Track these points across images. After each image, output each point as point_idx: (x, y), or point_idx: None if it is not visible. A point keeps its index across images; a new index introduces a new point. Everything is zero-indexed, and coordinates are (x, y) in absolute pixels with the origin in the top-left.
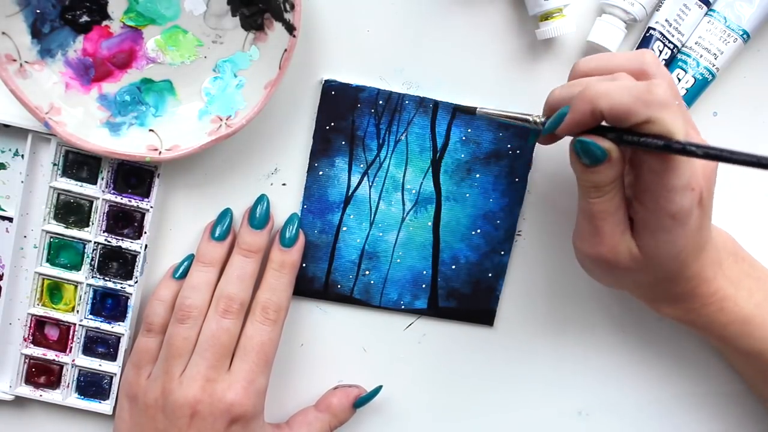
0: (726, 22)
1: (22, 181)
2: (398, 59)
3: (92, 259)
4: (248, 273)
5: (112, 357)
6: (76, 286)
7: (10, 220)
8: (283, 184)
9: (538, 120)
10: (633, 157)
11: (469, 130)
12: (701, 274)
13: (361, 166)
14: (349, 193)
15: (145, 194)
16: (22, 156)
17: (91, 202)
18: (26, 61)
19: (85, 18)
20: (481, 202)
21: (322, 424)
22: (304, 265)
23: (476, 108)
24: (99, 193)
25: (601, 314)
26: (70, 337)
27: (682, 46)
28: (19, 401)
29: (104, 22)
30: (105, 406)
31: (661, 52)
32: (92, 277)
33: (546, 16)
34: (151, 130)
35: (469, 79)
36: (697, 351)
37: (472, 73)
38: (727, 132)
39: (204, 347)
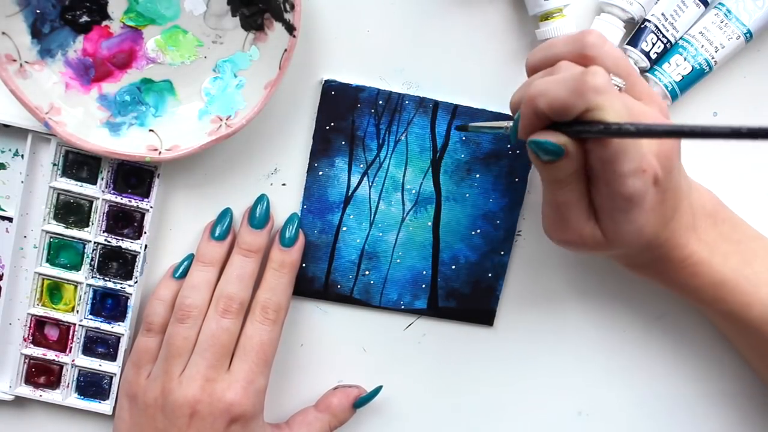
0: (732, 19)
1: (22, 181)
2: (398, 59)
3: (92, 259)
4: (248, 273)
5: (112, 357)
6: (76, 286)
7: (10, 220)
8: (283, 184)
9: (509, 128)
10: (585, 146)
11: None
12: (672, 240)
13: (361, 166)
14: (349, 193)
15: (145, 194)
16: (22, 156)
17: (91, 202)
18: (26, 61)
19: (85, 18)
20: (480, 202)
21: (322, 424)
22: (304, 265)
23: (469, 125)
24: (99, 193)
25: (601, 314)
26: (70, 337)
27: (676, 41)
28: (19, 401)
29: (104, 22)
30: (105, 406)
31: (654, 44)
32: (92, 277)
33: (546, 16)
34: (151, 130)
35: (469, 79)
36: (698, 351)
37: (472, 73)
38: None
39: (204, 347)
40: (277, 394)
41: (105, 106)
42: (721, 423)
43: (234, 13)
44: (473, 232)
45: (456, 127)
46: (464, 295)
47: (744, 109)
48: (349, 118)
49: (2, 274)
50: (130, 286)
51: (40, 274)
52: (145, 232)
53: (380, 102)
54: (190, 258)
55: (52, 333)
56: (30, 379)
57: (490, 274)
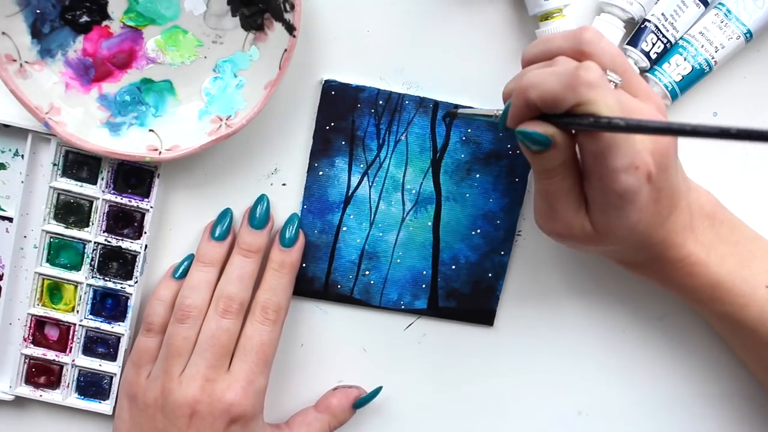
0: (732, 19)
1: (22, 181)
2: (398, 59)
3: (92, 259)
4: (248, 273)
5: (112, 357)
6: (76, 286)
7: (10, 220)
8: (283, 184)
9: (498, 115)
10: (578, 140)
11: (469, 130)
12: (669, 240)
13: (361, 166)
14: (349, 193)
15: (145, 194)
16: (22, 156)
17: (91, 202)
18: (26, 61)
19: (85, 18)
20: (481, 202)
21: (322, 424)
22: (304, 265)
23: (457, 111)
24: (99, 193)
25: (601, 314)
26: (70, 337)
27: (676, 41)
28: (19, 401)
29: (104, 22)
30: (105, 406)
31: (654, 44)
32: (92, 277)
33: (546, 16)
34: (151, 130)
35: (469, 79)
36: (698, 351)
37: (472, 73)
38: None
39: (203, 347)
40: (277, 394)
41: (105, 106)
42: (720, 423)
43: (234, 13)
44: (473, 232)
45: (444, 114)
46: (464, 295)
47: (744, 109)
48: (349, 118)
49: (2, 274)
50: (130, 286)
51: (40, 274)
52: (145, 232)
53: (380, 102)
54: (190, 258)
55: (53, 333)
56: (30, 379)
57: (490, 274)
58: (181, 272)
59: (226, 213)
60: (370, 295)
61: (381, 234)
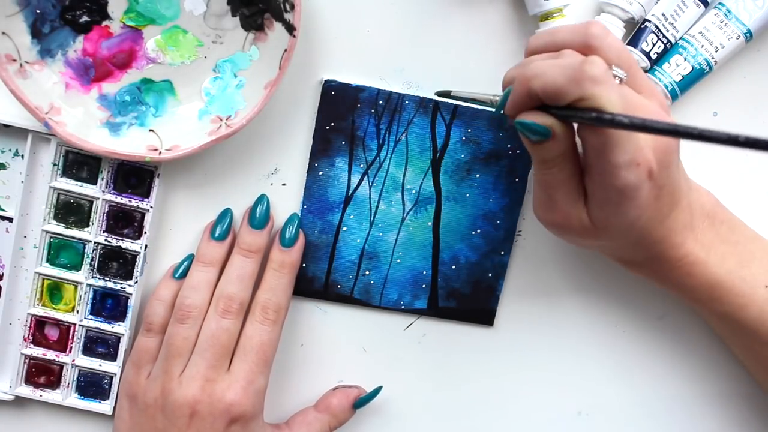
0: (732, 19)
1: (22, 181)
2: (398, 59)
3: (92, 259)
4: (248, 273)
5: (112, 357)
6: (76, 286)
7: (10, 220)
8: (283, 184)
9: (494, 100)
10: (579, 133)
11: (469, 130)
12: (668, 239)
13: (361, 166)
14: (349, 193)
15: (145, 194)
16: (22, 156)
17: (91, 202)
18: (26, 61)
19: (85, 18)
20: (481, 202)
21: (322, 424)
22: (304, 265)
23: (451, 91)
24: (99, 193)
25: (601, 314)
26: (70, 337)
27: (676, 41)
28: (19, 401)
29: (104, 22)
30: (105, 406)
31: (654, 45)
32: (92, 277)
33: (546, 16)
34: (151, 130)
35: (469, 79)
36: (698, 351)
37: (472, 73)
38: None
39: (203, 347)
40: (277, 394)
41: (105, 106)
42: (720, 423)
43: (234, 13)
44: (473, 232)
45: (437, 92)
46: (464, 295)
47: (744, 109)
48: (349, 118)
49: (2, 274)
50: (130, 286)
51: (40, 274)
52: (145, 232)
53: (380, 102)
54: (190, 258)
55: (53, 333)
56: (30, 379)
57: (490, 274)
58: (181, 272)
59: (226, 213)
60: (370, 295)
61: (381, 234)
